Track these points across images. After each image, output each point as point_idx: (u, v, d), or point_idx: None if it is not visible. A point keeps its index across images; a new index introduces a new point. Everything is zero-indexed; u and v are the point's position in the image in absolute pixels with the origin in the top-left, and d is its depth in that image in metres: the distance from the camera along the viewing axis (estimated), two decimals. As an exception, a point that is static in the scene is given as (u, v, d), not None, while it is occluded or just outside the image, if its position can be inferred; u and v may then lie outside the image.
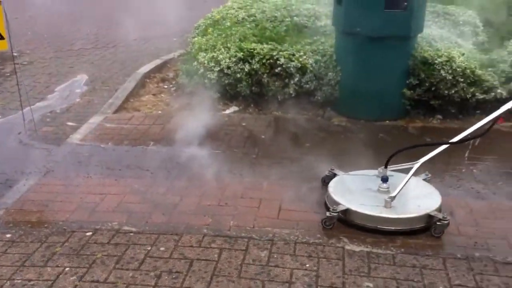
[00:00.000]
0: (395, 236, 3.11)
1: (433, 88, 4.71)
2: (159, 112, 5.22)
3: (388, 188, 3.36)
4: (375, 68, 4.70)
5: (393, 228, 3.19)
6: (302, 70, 4.91)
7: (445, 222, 3.14)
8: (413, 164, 3.38)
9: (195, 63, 5.24)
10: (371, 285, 2.70)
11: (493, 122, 3.17)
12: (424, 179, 3.59)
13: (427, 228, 3.19)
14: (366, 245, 3.03)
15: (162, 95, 5.74)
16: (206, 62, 5.12)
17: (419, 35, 4.92)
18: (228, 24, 5.88)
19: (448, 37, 5.24)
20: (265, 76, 4.98)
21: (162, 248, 2.99)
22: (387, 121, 4.82)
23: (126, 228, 3.19)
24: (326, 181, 3.69)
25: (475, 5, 6.14)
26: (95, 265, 2.85)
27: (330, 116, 5.00)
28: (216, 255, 2.93)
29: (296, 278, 2.75)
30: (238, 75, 5.01)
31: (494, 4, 6.50)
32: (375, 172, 3.55)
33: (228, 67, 5.01)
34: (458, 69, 4.62)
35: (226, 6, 6.50)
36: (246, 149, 4.31)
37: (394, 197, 3.25)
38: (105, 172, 3.91)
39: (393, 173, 3.44)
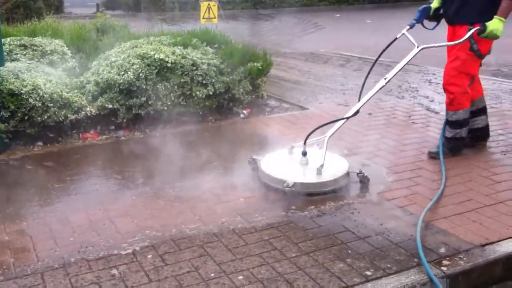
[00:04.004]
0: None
1: (26, 117, 4.82)
2: None
3: (307, 160, 3.96)
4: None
5: (331, 188, 3.81)
6: None
7: (363, 173, 3.95)
8: (321, 138, 4.06)
9: None
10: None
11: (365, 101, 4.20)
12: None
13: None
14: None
15: None
16: None
17: (4, 68, 4.97)
18: None
19: (36, 66, 5.40)
20: None
21: None
22: (-12, 158, 4.73)
23: None
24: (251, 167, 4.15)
25: (61, 34, 6.51)
26: None
27: None
28: None
29: None
30: None
31: (83, 31, 7.03)
32: (285, 151, 4.19)
33: None
34: (45, 95, 4.84)
35: None
36: None
37: (323, 164, 3.85)
38: None
39: (297, 150, 4.10)
